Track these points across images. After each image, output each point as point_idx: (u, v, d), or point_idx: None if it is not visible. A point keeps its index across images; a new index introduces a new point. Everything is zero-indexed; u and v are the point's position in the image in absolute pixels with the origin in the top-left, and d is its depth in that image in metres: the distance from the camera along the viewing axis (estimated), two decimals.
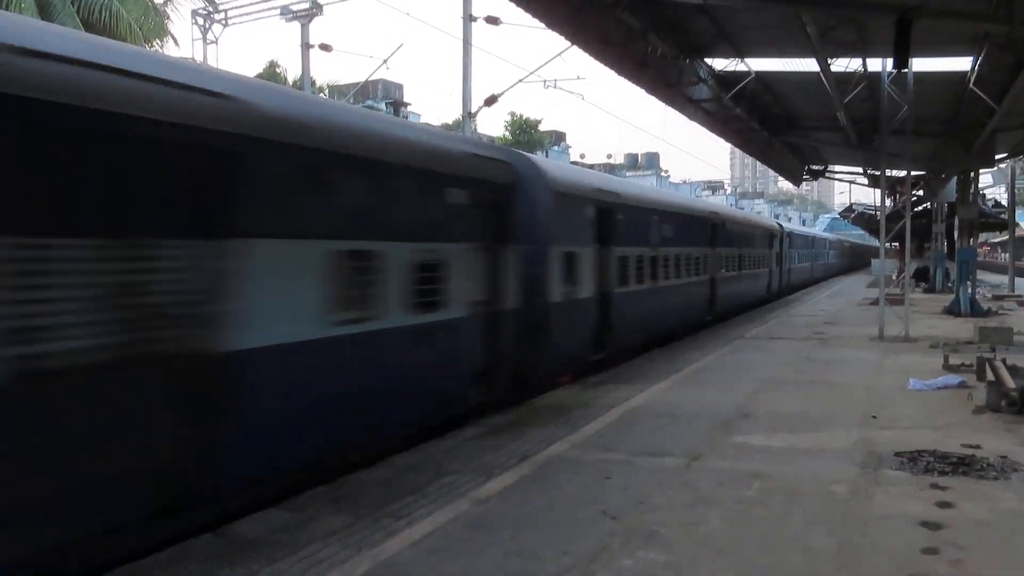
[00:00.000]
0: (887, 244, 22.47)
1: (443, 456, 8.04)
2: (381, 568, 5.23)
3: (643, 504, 6.49)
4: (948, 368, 13.12)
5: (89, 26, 20.48)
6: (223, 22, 28.37)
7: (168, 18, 27.03)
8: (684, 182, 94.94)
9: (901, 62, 11.94)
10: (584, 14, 13.70)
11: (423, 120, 46.78)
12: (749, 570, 5.18)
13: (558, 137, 76.30)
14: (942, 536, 5.74)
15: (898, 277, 30.28)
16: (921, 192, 33.65)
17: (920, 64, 17.72)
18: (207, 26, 27.98)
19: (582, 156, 79.37)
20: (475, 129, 26.97)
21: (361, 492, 6.84)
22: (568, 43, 14.29)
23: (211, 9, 28.21)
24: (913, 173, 23.62)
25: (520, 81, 26.22)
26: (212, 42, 28.02)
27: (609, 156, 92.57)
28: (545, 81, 30.68)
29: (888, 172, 21.97)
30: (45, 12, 19.89)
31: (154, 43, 25.04)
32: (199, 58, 27.29)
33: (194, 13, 28.06)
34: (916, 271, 36.33)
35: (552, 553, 5.46)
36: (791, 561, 5.31)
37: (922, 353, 15.44)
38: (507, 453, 8.10)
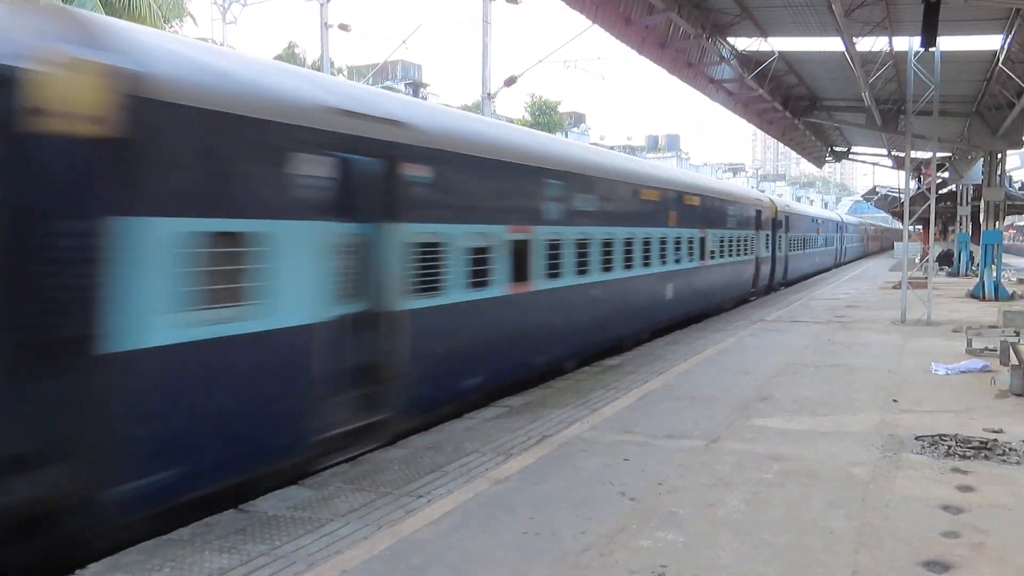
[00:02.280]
0: (911, 227, 22.23)
1: (463, 436, 8.09)
2: (402, 545, 5.28)
3: (661, 485, 6.49)
4: (971, 352, 13.00)
5: (108, 6, 20.53)
6: (242, 2, 28.39)
7: None
8: (705, 164, 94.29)
9: (929, 41, 11.75)
10: None
11: (442, 101, 46.64)
12: (767, 551, 5.18)
13: (578, 118, 75.98)
14: (963, 520, 5.71)
15: (921, 260, 30.00)
16: (946, 174, 33.25)
17: (948, 43, 17.43)
18: (226, 6, 28.00)
19: (602, 138, 79.04)
20: (494, 110, 26.84)
21: (381, 470, 6.90)
22: (589, 22, 14.15)
23: None
24: (938, 155, 23.30)
25: (540, 61, 26.27)
26: (231, 22, 28.06)
27: (629, 138, 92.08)
28: (565, 61, 30.51)
29: (913, 154, 21.67)
30: None
31: (172, 23, 25.08)
32: (218, 39, 27.34)
33: None
34: (940, 254, 35.93)
35: (570, 532, 5.48)
36: (809, 543, 5.31)
37: (945, 337, 15.29)
38: (526, 433, 8.13)
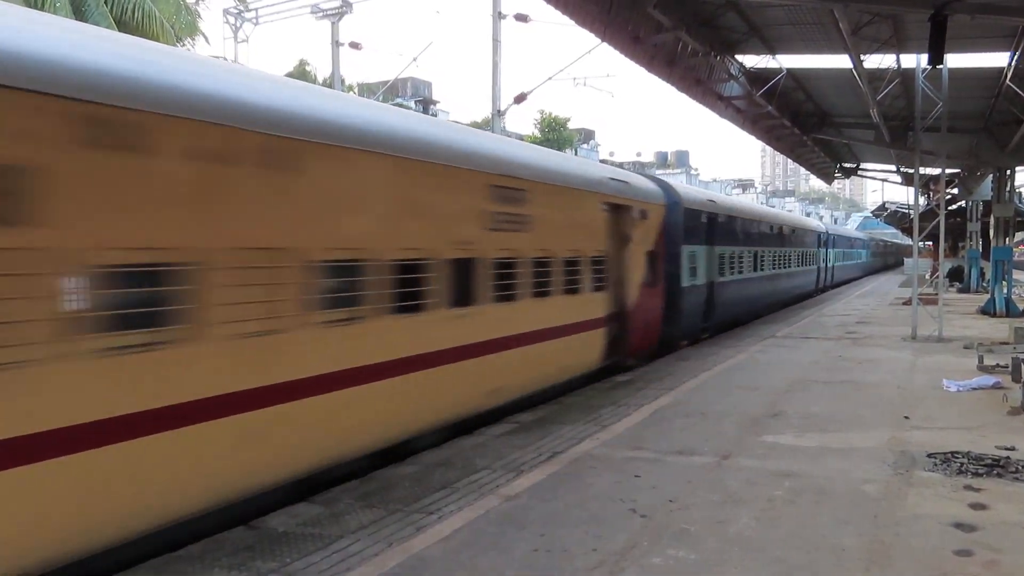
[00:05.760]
0: (921, 243, 22.18)
1: (473, 452, 8.09)
2: (412, 562, 5.28)
3: (673, 502, 6.48)
4: (982, 369, 12.93)
5: (122, 24, 20.77)
6: (254, 20, 28.66)
7: (200, 16, 27.33)
8: (714, 180, 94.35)
9: (936, 58, 11.74)
10: (615, 11, 13.68)
11: (452, 117, 46.92)
12: (778, 568, 5.16)
13: (587, 135, 76.26)
14: (976, 538, 5.67)
15: (932, 276, 29.90)
16: (955, 190, 33.22)
17: (955, 60, 17.45)
18: (238, 25, 28.28)
19: (611, 154, 79.25)
20: (504, 127, 27.00)
21: (391, 487, 6.91)
22: (599, 40, 14.24)
23: (242, 8, 28.50)
24: (947, 171, 23.28)
25: (549, 79, 26.30)
26: (243, 41, 28.32)
27: (638, 154, 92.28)
28: (575, 79, 30.67)
29: (922, 170, 21.64)
30: (79, 12, 20.20)
31: (185, 42, 25.33)
32: (230, 56, 27.59)
33: (225, 12, 28.38)
34: (950, 270, 35.82)
35: (581, 550, 5.47)
36: (821, 560, 5.28)
37: (956, 354, 15.22)
38: (536, 450, 8.13)
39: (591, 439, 8.58)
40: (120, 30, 19.88)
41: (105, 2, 21.75)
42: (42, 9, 18.08)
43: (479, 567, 5.22)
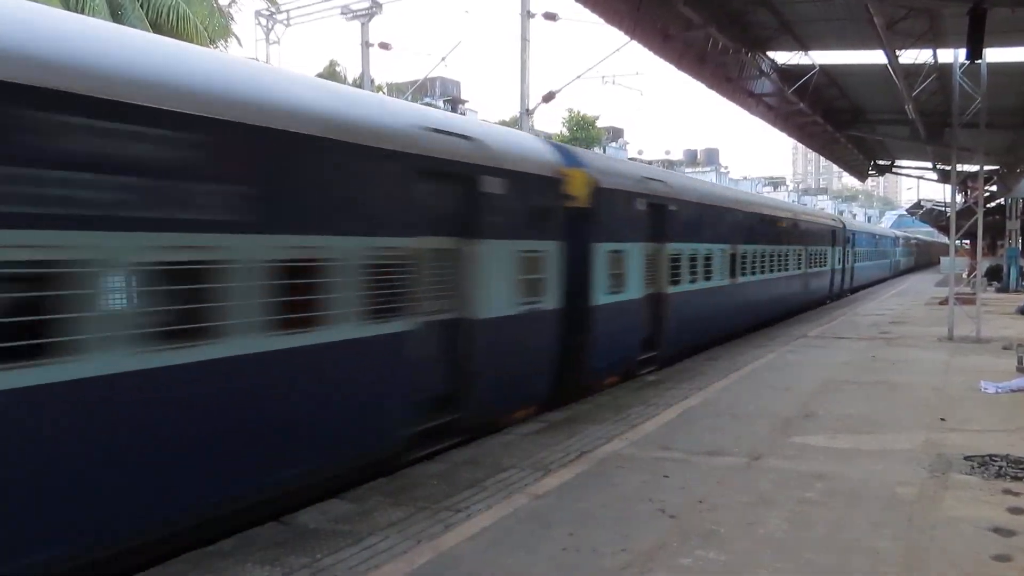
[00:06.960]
0: (957, 241, 21.80)
1: (501, 451, 8.09)
2: (441, 560, 5.29)
3: (702, 503, 6.43)
4: (1022, 370, 12.66)
5: (157, 27, 21.07)
6: (285, 22, 28.90)
7: (232, 19, 27.64)
8: (744, 178, 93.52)
9: (975, 53, 11.50)
10: (644, 9, 13.61)
11: (481, 116, 46.95)
12: (810, 571, 5.09)
13: (615, 133, 75.98)
14: (1015, 543, 5.55)
15: (969, 275, 29.39)
16: (994, 187, 32.61)
17: (994, 54, 17.10)
18: (270, 27, 28.55)
19: (640, 152, 78.87)
20: (532, 126, 26.99)
21: (420, 485, 6.93)
22: (628, 38, 14.17)
23: (274, 10, 28.76)
24: (986, 168, 22.84)
25: (578, 77, 26.31)
26: (274, 42, 28.59)
27: (667, 152, 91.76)
28: (603, 77, 30.59)
29: (959, 167, 21.25)
30: (115, 14, 20.53)
31: (218, 44, 25.63)
32: (261, 58, 27.87)
33: (257, 14, 28.65)
34: (988, 269, 35.16)
35: (610, 549, 5.45)
36: (853, 563, 5.20)
37: (994, 354, 14.92)
38: (565, 449, 8.11)
39: (620, 439, 8.54)
40: (155, 32, 20.18)
41: (141, 5, 22.10)
42: (80, 12, 18.40)
43: (507, 566, 5.22)
